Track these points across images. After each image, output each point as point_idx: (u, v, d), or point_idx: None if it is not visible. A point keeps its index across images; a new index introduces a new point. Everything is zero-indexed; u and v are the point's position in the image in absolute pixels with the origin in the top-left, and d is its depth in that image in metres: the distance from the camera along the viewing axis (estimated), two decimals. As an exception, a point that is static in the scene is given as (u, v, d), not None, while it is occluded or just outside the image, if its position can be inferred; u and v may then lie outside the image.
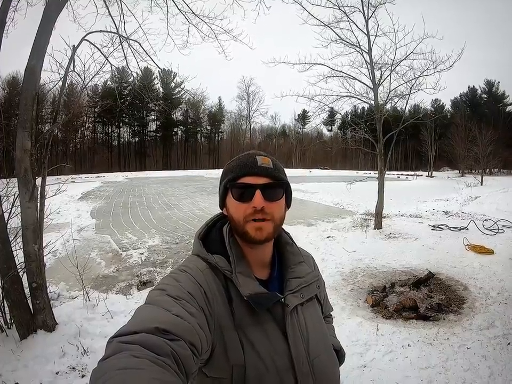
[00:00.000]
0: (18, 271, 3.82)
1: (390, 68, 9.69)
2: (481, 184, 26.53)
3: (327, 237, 9.05)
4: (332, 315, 1.42)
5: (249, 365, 0.88)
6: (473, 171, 42.18)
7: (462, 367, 3.38)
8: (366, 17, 9.48)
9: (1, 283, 3.75)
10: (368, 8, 9.40)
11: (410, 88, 9.76)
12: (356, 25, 9.60)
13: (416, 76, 9.54)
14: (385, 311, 4.67)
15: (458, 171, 48.09)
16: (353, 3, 9.46)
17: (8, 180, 4.33)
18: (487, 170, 40.14)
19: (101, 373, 0.60)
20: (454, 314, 4.54)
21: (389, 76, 9.82)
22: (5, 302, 3.86)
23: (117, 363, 0.61)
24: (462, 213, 12.82)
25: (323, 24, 9.66)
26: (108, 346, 0.68)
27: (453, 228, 9.40)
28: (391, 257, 7.05)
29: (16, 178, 3.86)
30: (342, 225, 10.59)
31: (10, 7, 4.05)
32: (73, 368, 3.43)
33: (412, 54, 9.36)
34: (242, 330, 0.91)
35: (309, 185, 26.68)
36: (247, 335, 0.91)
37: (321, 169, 62.67)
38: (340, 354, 1.21)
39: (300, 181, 29.38)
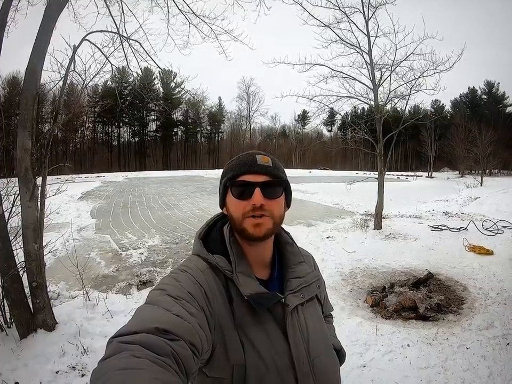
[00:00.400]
0: (19, 270, 3.83)
1: (390, 68, 9.69)
2: (481, 185, 26.53)
3: (327, 237, 9.05)
4: (332, 315, 1.42)
5: (250, 365, 0.88)
6: (473, 172, 42.11)
7: (461, 367, 3.39)
8: (366, 18, 9.48)
9: (1, 282, 3.75)
10: (368, 9, 9.41)
11: (410, 89, 9.77)
12: (356, 26, 9.61)
13: (416, 77, 9.55)
14: (385, 311, 4.68)
15: (458, 172, 48.04)
16: (353, 4, 9.47)
17: (8, 179, 4.34)
18: (487, 171, 40.10)
19: (101, 373, 0.60)
20: (453, 314, 4.55)
21: (389, 77, 9.83)
22: (5, 301, 3.86)
23: (117, 363, 0.61)
24: (462, 213, 12.83)
25: (323, 25, 9.67)
26: (108, 346, 0.68)
27: (452, 228, 9.41)
28: (390, 258, 7.05)
29: (17, 178, 3.86)
30: (341, 226, 10.59)
31: (11, 7, 4.06)
32: (73, 367, 3.43)
33: (412, 54, 9.37)
34: (243, 330, 0.91)
35: (309, 185, 26.64)
36: (247, 335, 0.91)
37: (321, 169, 62.57)
38: (340, 354, 1.21)
39: (299, 181, 29.33)
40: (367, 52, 9.69)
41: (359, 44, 9.73)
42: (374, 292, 5.38)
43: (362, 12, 9.47)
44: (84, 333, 3.96)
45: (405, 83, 9.82)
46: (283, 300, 0.98)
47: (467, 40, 9.79)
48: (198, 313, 0.82)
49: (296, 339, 0.96)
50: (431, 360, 3.53)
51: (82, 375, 3.34)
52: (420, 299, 4.80)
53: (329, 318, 1.38)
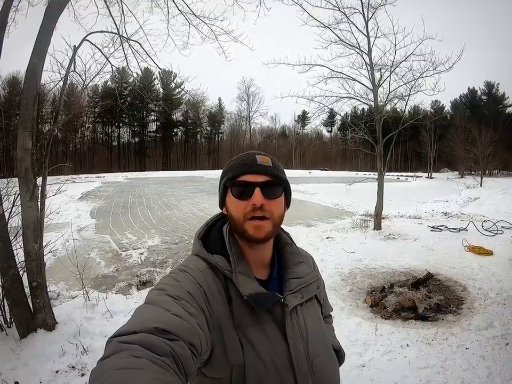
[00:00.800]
0: (19, 270, 3.84)
1: (389, 69, 9.70)
2: (481, 186, 26.57)
3: (327, 238, 9.06)
4: (331, 315, 1.42)
5: (249, 365, 0.88)
6: (472, 172, 42.15)
7: (461, 367, 3.39)
8: (366, 18, 9.49)
9: (2, 282, 3.76)
10: (368, 9, 9.42)
11: (410, 90, 9.78)
12: (356, 27, 9.63)
13: (416, 77, 9.57)
14: (384, 311, 4.68)
15: (458, 172, 48.10)
16: (353, 4, 9.49)
17: (8, 179, 4.34)
18: (487, 171, 40.13)
19: (100, 373, 0.60)
20: (452, 314, 4.55)
21: (389, 77, 9.85)
22: (5, 301, 3.87)
23: (116, 363, 0.61)
24: (462, 214, 12.83)
25: (323, 25, 9.68)
26: (107, 346, 0.68)
27: (452, 229, 9.41)
28: (390, 258, 7.05)
29: (17, 178, 3.87)
30: (341, 226, 10.59)
31: (12, 7, 4.07)
32: (73, 367, 3.44)
33: (411, 55, 9.38)
34: (242, 330, 0.91)
35: (309, 186, 26.61)
36: (246, 335, 0.91)
37: (321, 170, 62.62)
38: (339, 355, 1.21)
39: (299, 182, 29.28)
40: (367, 53, 9.70)
41: (358, 44, 9.75)
42: (373, 292, 5.38)
43: (362, 12, 9.48)
44: (83, 332, 3.97)
45: (405, 84, 9.85)
46: (282, 300, 0.98)
47: (467, 41, 9.82)
48: (197, 313, 0.82)
49: (295, 339, 0.96)
50: (430, 360, 3.54)
51: (82, 375, 3.35)
52: (419, 299, 4.81)
53: (328, 319, 1.37)
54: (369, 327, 4.27)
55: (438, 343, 3.87)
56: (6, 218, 3.85)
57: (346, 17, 9.50)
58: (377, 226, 9.74)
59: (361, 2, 9.38)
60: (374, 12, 9.41)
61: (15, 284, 3.76)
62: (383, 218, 10.62)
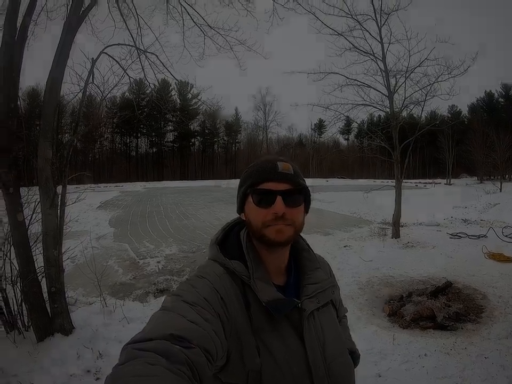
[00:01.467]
0: (38, 275, 3.93)
1: (404, 74, 9.61)
2: (500, 191, 25.87)
3: (344, 246, 8.98)
4: (346, 316, 1.41)
5: (266, 371, 0.88)
6: (492, 177, 41.22)
7: (480, 377, 3.30)
8: (379, 24, 9.44)
9: (21, 286, 3.86)
10: (380, 15, 9.37)
11: (426, 95, 9.68)
12: (369, 33, 9.57)
13: (431, 82, 9.48)
14: (402, 321, 4.60)
15: (477, 178, 47.16)
16: (366, 11, 9.47)
17: (28, 188, 4.46)
18: (506, 176, 39.13)
19: (115, 380, 0.61)
20: (472, 323, 4.44)
21: (404, 83, 9.76)
22: (24, 305, 3.96)
23: (131, 370, 0.62)
24: (481, 220, 12.59)
25: (336, 33, 9.66)
26: (122, 353, 0.68)
27: (471, 235, 9.23)
28: (408, 266, 6.93)
29: (37, 186, 3.98)
30: (359, 235, 10.50)
31: (31, 21, 4.21)
32: (88, 371, 3.48)
33: (425, 60, 9.30)
34: (260, 336, 0.91)
35: (326, 194, 26.48)
36: (264, 341, 0.90)
37: (339, 178, 62.31)
38: (354, 356, 1.21)
39: (317, 190, 29.00)
40: (381, 59, 9.65)
41: (372, 51, 9.71)
42: (391, 301, 5.30)
43: (374, 19, 9.43)
44: (100, 337, 4.02)
45: (420, 89, 9.73)
46: (299, 305, 0.98)
47: (482, 44, 9.80)
48: (213, 320, 0.82)
49: (313, 344, 0.96)
50: (449, 370, 3.45)
51: (97, 379, 3.39)
52: (438, 308, 4.71)
53: (343, 319, 1.36)
54: (387, 336, 4.20)
55: (457, 352, 3.78)
56: (26, 225, 3.96)
57: (360, 24, 9.47)
58: (396, 235, 9.61)
59: (374, 8, 9.34)
60: (387, 18, 9.36)
61: (34, 288, 3.86)
62: (401, 226, 10.45)
